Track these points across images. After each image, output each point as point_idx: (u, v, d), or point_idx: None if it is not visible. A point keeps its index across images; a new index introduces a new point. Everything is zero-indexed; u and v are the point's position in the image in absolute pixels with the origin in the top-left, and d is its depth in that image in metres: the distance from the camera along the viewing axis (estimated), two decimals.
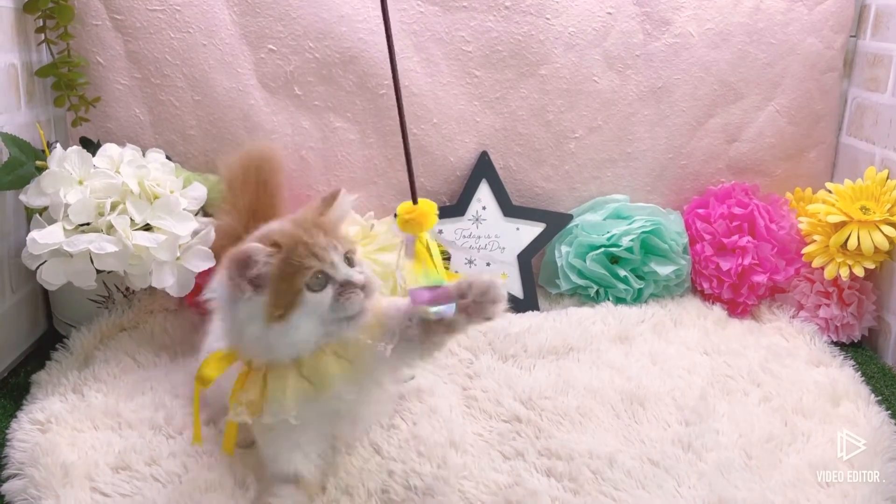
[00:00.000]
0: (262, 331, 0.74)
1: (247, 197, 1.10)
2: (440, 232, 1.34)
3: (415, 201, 0.89)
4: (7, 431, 0.94)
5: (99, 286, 1.14)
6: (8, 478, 0.86)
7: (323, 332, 0.76)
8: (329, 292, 0.75)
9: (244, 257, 0.72)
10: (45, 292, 1.21)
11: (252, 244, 0.73)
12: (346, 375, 0.79)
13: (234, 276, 0.73)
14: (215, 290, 0.77)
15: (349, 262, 0.77)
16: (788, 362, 1.15)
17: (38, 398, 1.00)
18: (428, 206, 0.88)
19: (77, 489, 0.83)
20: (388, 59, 0.92)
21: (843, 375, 1.12)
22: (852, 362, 1.16)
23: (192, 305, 1.21)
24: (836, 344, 1.24)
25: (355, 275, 0.76)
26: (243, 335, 0.76)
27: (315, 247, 0.75)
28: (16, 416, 0.97)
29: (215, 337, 0.93)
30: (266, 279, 0.74)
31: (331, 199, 0.81)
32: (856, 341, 1.27)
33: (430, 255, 0.85)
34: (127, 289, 1.18)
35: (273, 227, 0.78)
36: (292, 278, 0.74)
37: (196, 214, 1.14)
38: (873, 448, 0.93)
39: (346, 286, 0.75)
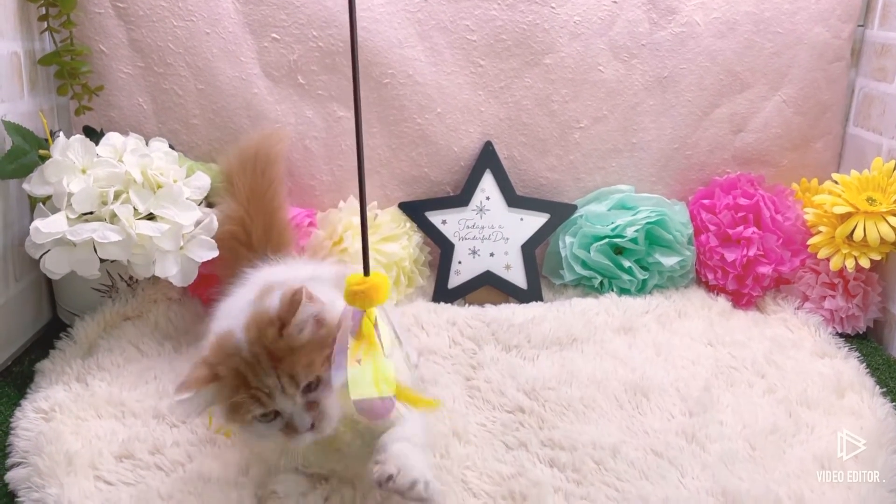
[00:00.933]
0: (240, 430, 0.77)
1: (245, 185, 1.11)
2: (443, 222, 1.33)
3: (366, 272, 0.77)
4: (11, 420, 0.95)
5: (102, 275, 1.14)
6: (12, 466, 0.86)
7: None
8: (278, 424, 0.76)
9: (180, 398, 0.73)
10: (49, 281, 1.21)
11: (183, 393, 0.73)
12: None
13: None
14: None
15: (310, 387, 0.75)
16: (793, 353, 1.15)
17: (42, 387, 1.01)
18: (380, 279, 0.76)
19: (81, 477, 0.84)
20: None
21: (848, 367, 1.11)
22: (857, 354, 1.16)
23: (195, 295, 1.22)
24: (840, 335, 1.24)
25: (303, 420, 0.75)
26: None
27: (259, 391, 0.74)
28: (20, 405, 0.97)
29: (222, 315, 0.93)
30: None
31: (293, 305, 0.74)
32: (861, 333, 1.26)
33: (377, 337, 0.75)
34: (130, 278, 1.18)
35: (221, 345, 0.76)
36: (237, 413, 0.75)
37: (200, 204, 1.14)
38: (878, 440, 0.93)
39: (290, 429, 0.75)
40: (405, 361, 0.84)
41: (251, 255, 1.06)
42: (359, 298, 0.74)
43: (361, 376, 0.71)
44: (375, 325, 0.74)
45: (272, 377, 0.74)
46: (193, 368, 0.75)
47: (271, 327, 0.75)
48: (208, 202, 1.19)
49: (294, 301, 0.74)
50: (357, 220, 1.28)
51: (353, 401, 0.70)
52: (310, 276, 0.90)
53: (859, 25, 1.38)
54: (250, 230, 1.11)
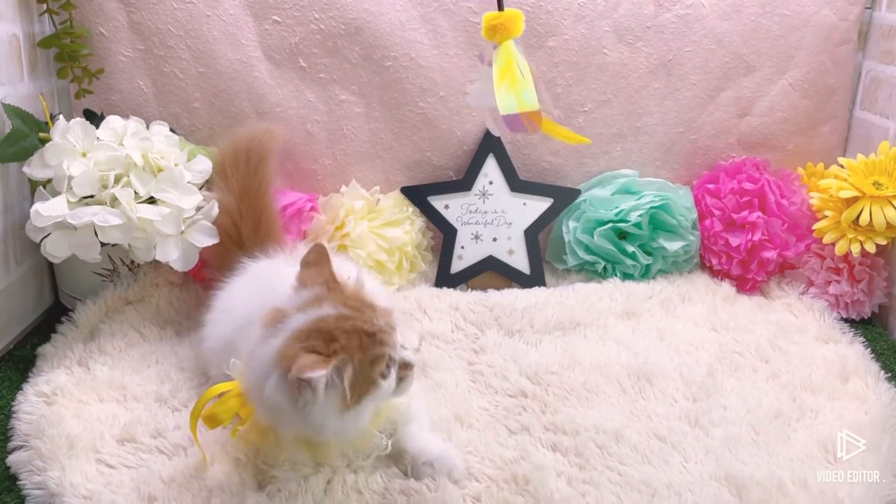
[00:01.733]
0: (334, 419, 0.74)
1: (237, 179, 1.10)
2: (446, 207, 1.33)
3: (500, 7, 0.88)
4: (13, 403, 0.95)
5: (104, 259, 1.14)
6: (13, 449, 0.87)
7: (372, 412, 0.78)
8: (394, 375, 0.76)
9: (305, 385, 0.70)
10: (51, 266, 1.21)
11: (313, 372, 0.69)
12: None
13: (298, 393, 0.71)
14: (271, 393, 0.73)
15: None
16: (797, 339, 1.14)
17: (44, 371, 1.01)
18: (514, 13, 0.88)
19: (82, 461, 0.84)
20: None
21: (853, 352, 1.11)
22: (862, 339, 1.15)
23: (197, 279, 1.21)
24: (845, 321, 1.23)
25: (411, 355, 0.78)
26: (307, 422, 0.74)
27: (380, 333, 0.75)
28: (21, 389, 0.97)
29: (214, 325, 0.93)
30: (338, 381, 0.72)
31: (325, 264, 0.79)
32: (865, 318, 1.26)
33: (519, 70, 0.85)
34: (132, 262, 1.18)
35: (327, 320, 0.74)
36: (369, 372, 0.74)
37: (201, 188, 1.13)
38: (882, 424, 0.93)
39: (405, 367, 0.77)
40: (545, 93, 0.89)
41: (238, 249, 1.06)
42: (498, 32, 0.86)
43: (506, 96, 0.83)
44: (513, 58, 0.84)
45: (379, 318, 0.75)
46: (289, 362, 0.71)
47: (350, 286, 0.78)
48: (209, 187, 1.18)
49: (322, 251, 0.80)
50: (359, 204, 1.28)
51: (501, 116, 0.82)
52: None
53: (867, 8, 1.37)
54: (239, 225, 1.10)
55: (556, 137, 0.91)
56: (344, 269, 0.82)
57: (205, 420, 0.79)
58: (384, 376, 0.75)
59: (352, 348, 0.73)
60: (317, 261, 0.80)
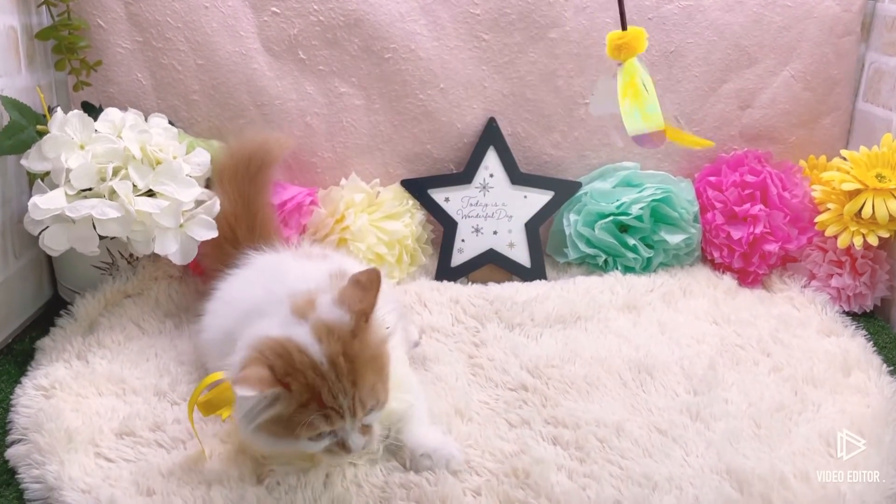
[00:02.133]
0: (262, 440, 0.74)
1: (234, 188, 1.10)
2: (446, 200, 1.32)
3: (624, 27, 0.91)
4: (11, 397, 0.94)
5: (102, 253, 1.14)
6: (12, 443, 0.86)
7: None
8: (324, 442, 0.74)
9: (243, 393, 0.69)
10: (50, 259, 1.20)
11: (248, 391, 0.68)
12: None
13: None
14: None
15: (371, 410, 0.75)
16: (799, 332, 1.14)
17: (43, 364, 1.00)
18: (637, 31, 0.91)
19: (81, 454, 0.83)
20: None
21: (855, 345, 1.10)
22: (864, 332, 1.15)
23: (196, 273, 1.21)
24: (847, 314, 1.22)
25: (357, 441, 0.74)
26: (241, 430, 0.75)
27: (332, 411, 0.71)
28: (20, 382, 0.97)
29: (214, 316, 0.93)
30: (265, 409, 0.71)
31: (373, 291, 0.74)
32: (868, 311, 1.25)
33: (643, 86, 0.89)
34: (131, 255, 1.18)
35: (314, 353, 0.71)
36: (296, 426, 0.71)
37: (208, 186, 1.12)
38: (885, 418, 0.92)
39: (340, 447, 0.74)
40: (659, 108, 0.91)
41: (234, 251, 1.05)
42: (623, 50, 0.90)
43: (632, 115, 0.88)
44: (638, 75, 0.88)
45: (347, 398, 0.72)
46: (249, 363, 0.71)
47: (349, 329, 0.73)
48: (207, 183, 1.18)
49: (375, 278, 0.75)
50: (359, 197, 1.27)
51: (630, 135, 0.88)
52: (337, 268, 0.87)
53: None
54: (235, 229, 1.09)
55: (682, 144, 0.94)
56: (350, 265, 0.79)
57: (200, 407, 0.79)
58: (311, 439, 0.73)
59: (299, 395, 0.70)
60: (366, 286, 0.75)
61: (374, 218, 1.28)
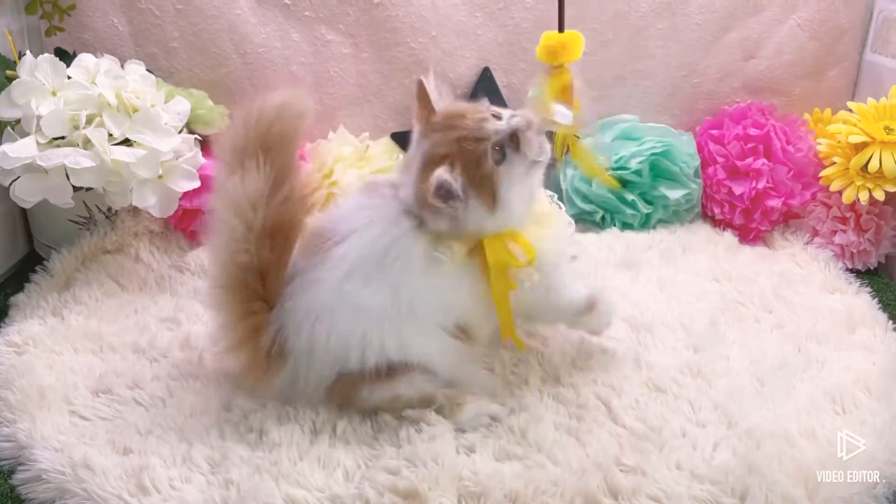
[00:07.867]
0: (492, 219, 0.79)
1: (272, 160, 0.82)
2: None
3: (561, 30, 0.92)
4: None
5: (79, 206, 1.09)
6: None
7: (529, 191, 0.82)
8: (510, 154, 0.79)
9: (443, 188, 0.75)
10: (25, 214, 1.16)
11: (438, 175, 0.75)
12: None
13: (445, 204, 0.76)
14: (432, 223, 0.78)
15: (497, 117, 0.80)
16: (802, 289, 1.11)
17: (16, 320, 0.97)
18: (574, 35, 0.92)
19: (54, 412, 0.80)
20: None
21: (859, 302, 1.07)
22: (868, 289, 1.12)
23: (178, 228, 1.16)
24: (851, 271, 1.19)
25: (512, 121, 0.79)
26: (483, 228, 0.79)
27: (472, 132, 0.78)
28: None
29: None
30: (463, 187, 0.77)
31: (423, 92, 0.82)
32: (872, 268, 1.22)
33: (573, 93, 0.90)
34: (109, 209, 1.13)
35: (424, 147, 0.80)
36: (480, 167, 0.77)
37: (180, 131, 1.07)
38: (891, 374, 0.89)
39: (515, 137, 0.79)
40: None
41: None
42: (557, 54, 0.91)
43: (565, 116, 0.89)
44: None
45: (468, 119, 0.79)
46: (422, 185, 0.77)
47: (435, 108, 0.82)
48: (190, 129, 1.13)
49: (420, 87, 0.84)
50: (348, 150, 1.22)
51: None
52: None
53: None
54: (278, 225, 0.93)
55: (582, 169, 0.98)
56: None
57: (495, 269, 0.79)
58: (498, 162, 0.78)
59: (453, 155, 0.77)
60: (419, 97, 0.83)
61: (363, 172, 1.23)
